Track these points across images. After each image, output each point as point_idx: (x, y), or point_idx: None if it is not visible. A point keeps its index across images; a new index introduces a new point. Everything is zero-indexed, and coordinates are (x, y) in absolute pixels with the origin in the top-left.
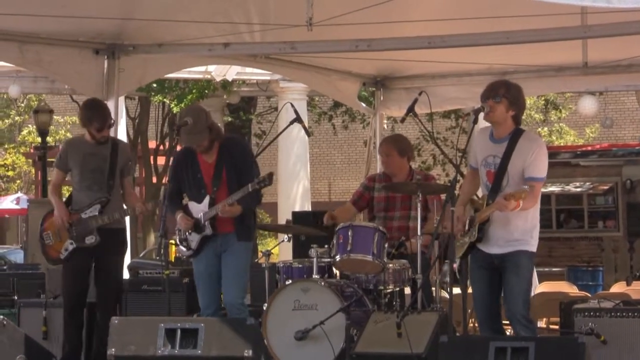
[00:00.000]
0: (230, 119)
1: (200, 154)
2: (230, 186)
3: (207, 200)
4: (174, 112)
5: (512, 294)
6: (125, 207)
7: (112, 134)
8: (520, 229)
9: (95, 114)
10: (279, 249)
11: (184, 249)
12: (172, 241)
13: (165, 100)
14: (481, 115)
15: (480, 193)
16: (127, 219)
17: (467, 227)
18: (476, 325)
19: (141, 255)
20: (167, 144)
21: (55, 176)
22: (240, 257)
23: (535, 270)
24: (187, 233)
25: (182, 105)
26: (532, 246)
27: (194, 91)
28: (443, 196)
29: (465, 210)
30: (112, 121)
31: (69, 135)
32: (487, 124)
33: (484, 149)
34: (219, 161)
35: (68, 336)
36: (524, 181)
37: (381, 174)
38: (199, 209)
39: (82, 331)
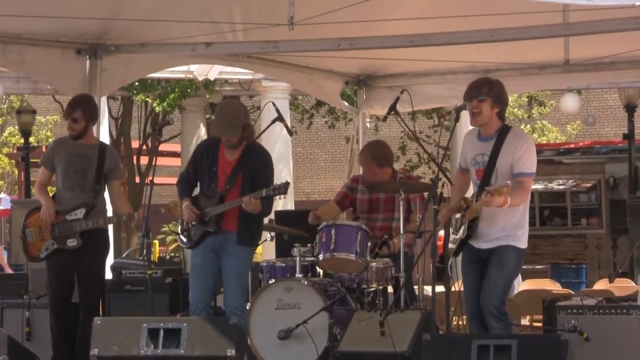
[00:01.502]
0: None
1: (224, 148)
2: (244, 190)
3: (217, 196)
4: (157, 111)
5: (489, 285)
6: (110, 215)
7: (94, 134)
8: (508, 225)
9: (68, 102)
10: (262, 248)
11: (184, 239)
12: (156, 241)
13: (147, 99)
14: (463, 113)
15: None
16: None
17: (457, 225)
18: (460, 323)
19: (124, 255)
20: (150, 143)
21: (41, 175)
22: (238, 261)
23: None
24: (190, 224)
25: (165, 104)
26: (521, 242)
27: (176, 90)
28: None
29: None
30: (79, 115)
31: (49, 134)
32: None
33: (473, 149)
34: (239, 163)
35: (54, 338)
36: (513, 177)
37: (363, 175)
38: (207, 203)
39: (70, 333)
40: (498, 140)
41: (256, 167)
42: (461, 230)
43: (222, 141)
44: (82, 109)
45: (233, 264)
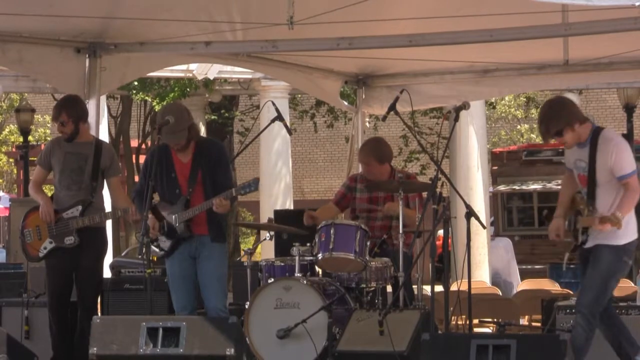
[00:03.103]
0: (214, 117)
1: (176, 152)
2: (206, 188)
3: (182, 201)
4: (156, 110)
5: (584, 285)
6: (108, 210)
7: (93, 133)
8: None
9: (54, 106)
10: (261, 247)
11: (156, 249)
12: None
13: (147, 98)
14: (462, 112)
15: None
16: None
17: (566, 227)
18: (459, 322)
19: (123, 254)
20: (149, 142)
21: (36, 173)
22: (217, 262)
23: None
24: (160, 232)
25: (164, 103)
26: (619, 239)
27: (175, 89)
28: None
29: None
30: (65, 118)
31: (48, 133)
32: None
33: (573, 152)
34: (194, 162)
35: (53, 337)
36: (617, 181)
37: (363, 173)
38: (173, 209)
39: (69, 332)
40: (592, 147)
41: (212, 159)
42: (579, 238)
43: (172, 146)
44: (67, 112)
45: (212, 265)
